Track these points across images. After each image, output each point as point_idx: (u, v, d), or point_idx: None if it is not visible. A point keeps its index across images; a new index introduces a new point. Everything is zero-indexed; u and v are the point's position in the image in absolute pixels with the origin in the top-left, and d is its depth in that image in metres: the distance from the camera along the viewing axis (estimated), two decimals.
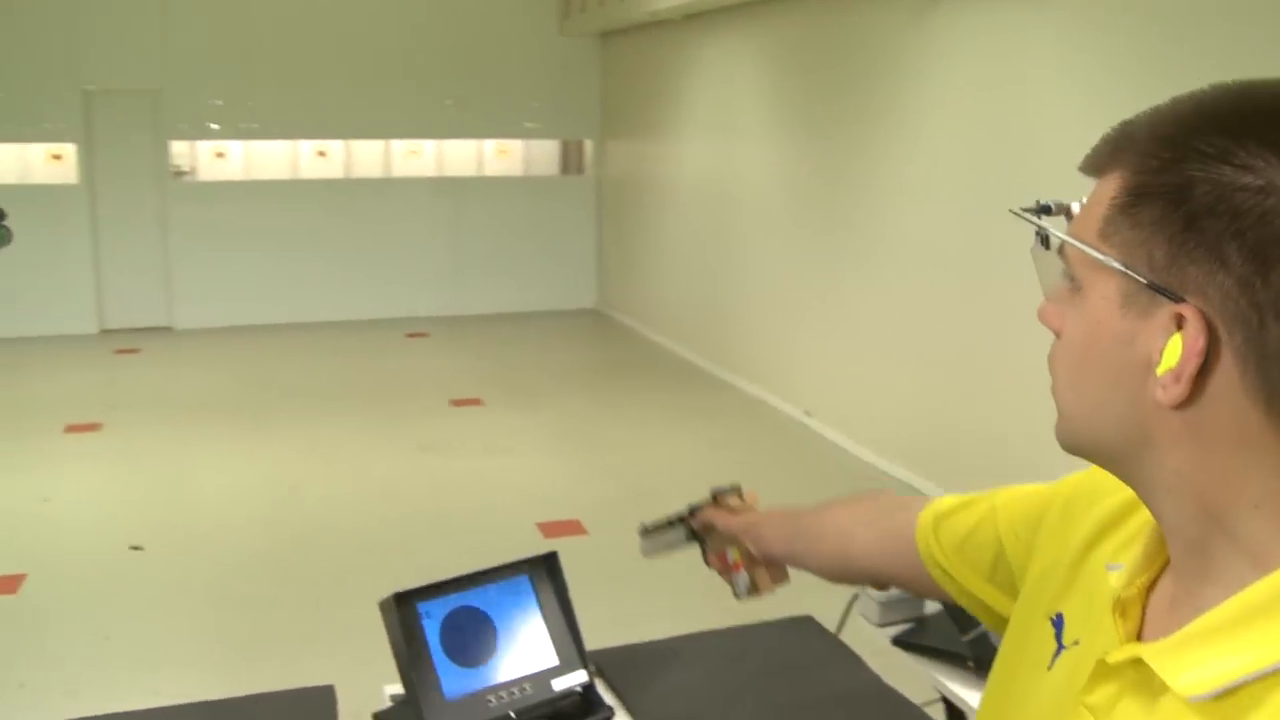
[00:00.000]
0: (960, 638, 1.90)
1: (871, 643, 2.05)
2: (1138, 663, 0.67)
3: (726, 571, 1.47)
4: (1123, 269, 0.64)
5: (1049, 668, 0.79)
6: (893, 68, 5.35)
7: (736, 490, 1.52)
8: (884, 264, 5.54)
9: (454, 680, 1.67)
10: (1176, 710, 0.64)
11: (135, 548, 4.33)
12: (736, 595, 1.48)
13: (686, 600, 3.08)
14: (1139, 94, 0.80)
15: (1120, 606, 0.72)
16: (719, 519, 1.46)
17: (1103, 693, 0.70)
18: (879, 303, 5.52)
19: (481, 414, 6.31)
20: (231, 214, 8.34)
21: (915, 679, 2.01)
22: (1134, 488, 0.71)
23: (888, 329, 5.43)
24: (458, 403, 6.50)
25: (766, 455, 5.65)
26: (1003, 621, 0.95)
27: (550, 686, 1.73)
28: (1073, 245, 0.68)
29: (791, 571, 1.41)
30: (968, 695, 1.89)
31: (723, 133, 7.35)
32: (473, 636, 1.71)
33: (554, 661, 1.75)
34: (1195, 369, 0.61)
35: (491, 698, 1.69)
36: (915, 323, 5.20)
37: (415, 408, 6.47)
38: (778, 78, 6.60)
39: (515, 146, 9.32)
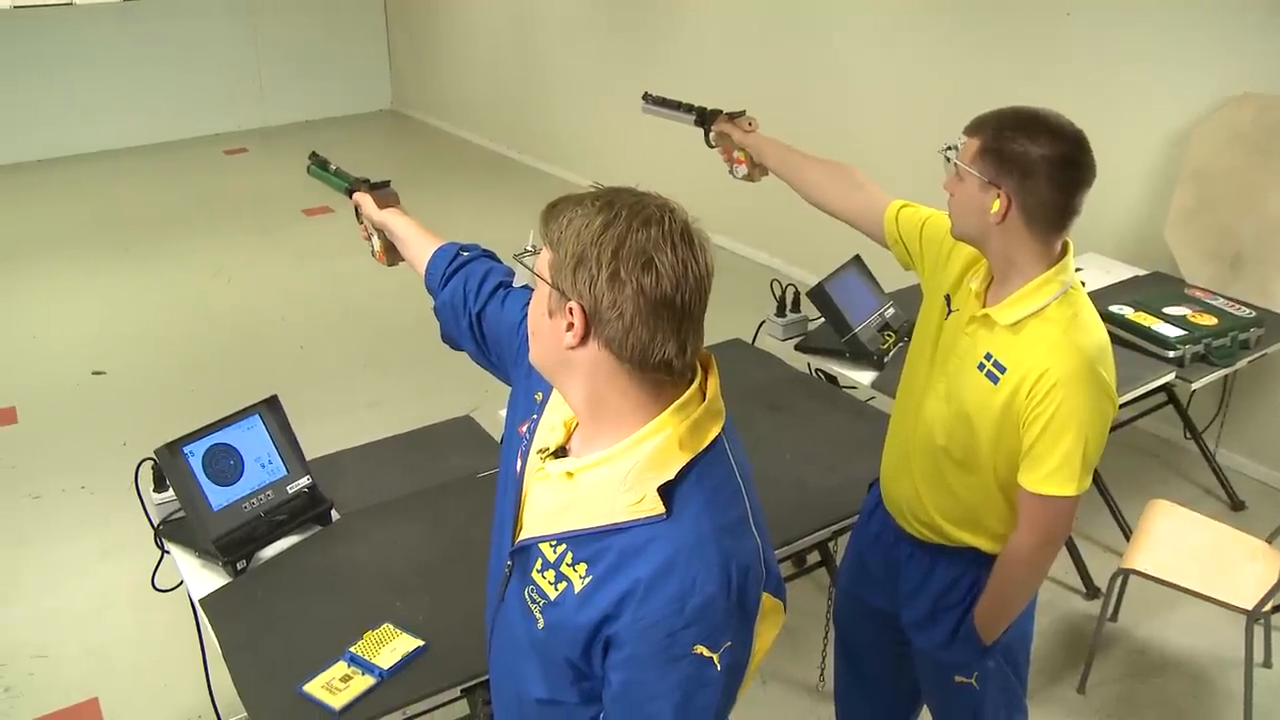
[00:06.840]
0: (839, 340, 3.07)
1: (778, 350, 3.25)
2: (986, 316, 1.83)
3: (730, 160, 2.39)
4: (979, 176, 1.75)
5: (946, 318, 1.96)
6: None
7: (748, 117, 2.37)
8: (685, 59, 6.31)
9: (217, 496, 2.27)
10: (1001, 331, 1.81)
11: (97, 372, 5.05)
12: (733, 175, 2.40)
13: None
14: None
15: (978, 294, 1.87)
16: (734, 131, 2.36)
17: (972, 327, 1.91)
18: (679, 91, 6.31)
19: (336, 220, 6.80)
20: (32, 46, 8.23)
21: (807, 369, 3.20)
22: (983, 251, 1.85)
23: None
24: (310, 212, 7.14)
25: None
26: (907, 263, 2.09)
27: (286, 490, 2.37)
28: (962, 167, 1.79)
29: None
30: (846, 371, 3.10)
31: None
32: (225, 463, 2.29)
33: (284, 472, 2.38)
34: (1006, 206, 1.73)
35: (246, 504, 2.29)
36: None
37: (273, 221, 7.04)
38: None
39: None
